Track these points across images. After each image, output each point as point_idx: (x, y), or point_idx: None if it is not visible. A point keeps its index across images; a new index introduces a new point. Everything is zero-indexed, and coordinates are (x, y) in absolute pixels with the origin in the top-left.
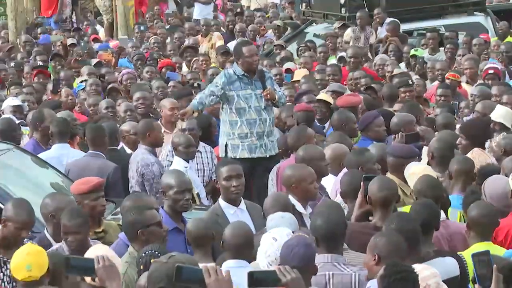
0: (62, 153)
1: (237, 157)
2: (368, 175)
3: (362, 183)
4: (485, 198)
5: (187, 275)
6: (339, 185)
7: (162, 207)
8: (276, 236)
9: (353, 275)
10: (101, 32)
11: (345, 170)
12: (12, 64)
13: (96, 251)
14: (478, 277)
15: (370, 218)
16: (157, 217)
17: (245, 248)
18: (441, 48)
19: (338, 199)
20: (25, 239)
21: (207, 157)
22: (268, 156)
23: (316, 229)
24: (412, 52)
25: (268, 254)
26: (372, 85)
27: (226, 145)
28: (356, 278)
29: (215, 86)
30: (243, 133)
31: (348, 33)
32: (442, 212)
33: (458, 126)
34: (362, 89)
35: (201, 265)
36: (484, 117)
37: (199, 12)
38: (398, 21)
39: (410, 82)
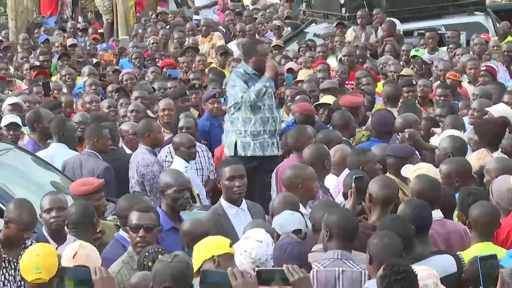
0: (55, 153)
1: (248, 155)
2: (358, 175)
3: (353, 184)
4: (492, 197)
5: (213, 278)
6: (341, 185)
7: (160, 206)
8: (259, 238)
9: (363, 272)
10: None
11: (346, 170)
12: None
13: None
14: (483, 281)
15: (359, 218)
16: (134, 220)
17: None
18: (441, 48)
19: (340, 199)
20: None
21: (204, 156)
22: (279, 154)
23: (331, 224)
24: (413, 52)
25: (258, 257)
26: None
27: (235, 144)
28: (365, 276)
29: (240, 88)
30: (256, 131)
31: (350, 32)
32: (439, 211)
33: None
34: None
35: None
36: (502, 118)
37: (200, 13)
38: (394, 21)
39: (414, 82)
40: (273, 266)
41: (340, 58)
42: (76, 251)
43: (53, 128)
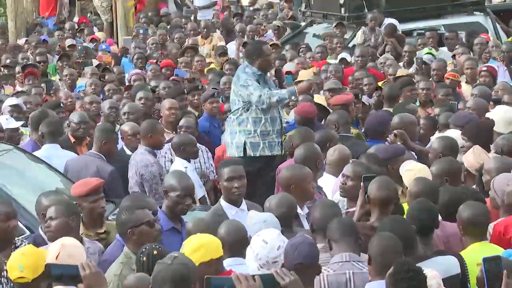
0: (51, 154)
1: (257, 155)
2: (367, 175)
3: (362, 183)
4: (495, 195)
5: (216, 284)
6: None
7: (160, 207)
8: (266, 239)
9: None
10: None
11: None
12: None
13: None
14: (487, 282)
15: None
16: (147, 216)
17: (241, 245)
18: (441, 48)
19: (336, 199)
20: (23, 239)
21: (204, 157)
22: (282, 154)
23: (331, 230)
24: (426, 51)
25: (259, 257)
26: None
27: (244, 144)
28: None
29: (256, 84)
30: (265, 131)
31: (360, 35)
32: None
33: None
34: (366, 89)
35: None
36: (487, 119)
37: (200, 13)
38: (394, 23)
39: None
40: (282, 265)
41: (341, 59)
42: (58, 252)
43: (45, 128)
